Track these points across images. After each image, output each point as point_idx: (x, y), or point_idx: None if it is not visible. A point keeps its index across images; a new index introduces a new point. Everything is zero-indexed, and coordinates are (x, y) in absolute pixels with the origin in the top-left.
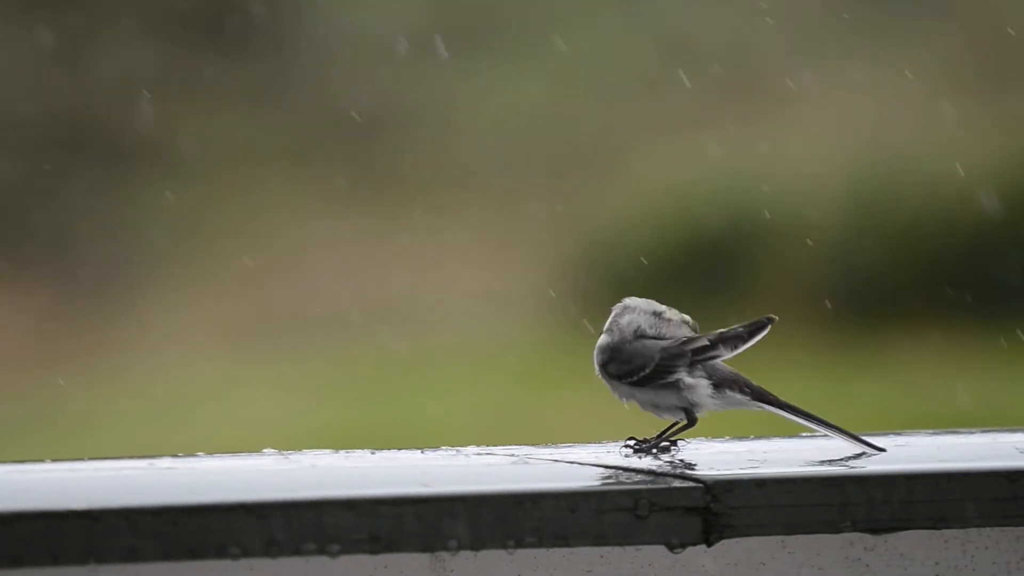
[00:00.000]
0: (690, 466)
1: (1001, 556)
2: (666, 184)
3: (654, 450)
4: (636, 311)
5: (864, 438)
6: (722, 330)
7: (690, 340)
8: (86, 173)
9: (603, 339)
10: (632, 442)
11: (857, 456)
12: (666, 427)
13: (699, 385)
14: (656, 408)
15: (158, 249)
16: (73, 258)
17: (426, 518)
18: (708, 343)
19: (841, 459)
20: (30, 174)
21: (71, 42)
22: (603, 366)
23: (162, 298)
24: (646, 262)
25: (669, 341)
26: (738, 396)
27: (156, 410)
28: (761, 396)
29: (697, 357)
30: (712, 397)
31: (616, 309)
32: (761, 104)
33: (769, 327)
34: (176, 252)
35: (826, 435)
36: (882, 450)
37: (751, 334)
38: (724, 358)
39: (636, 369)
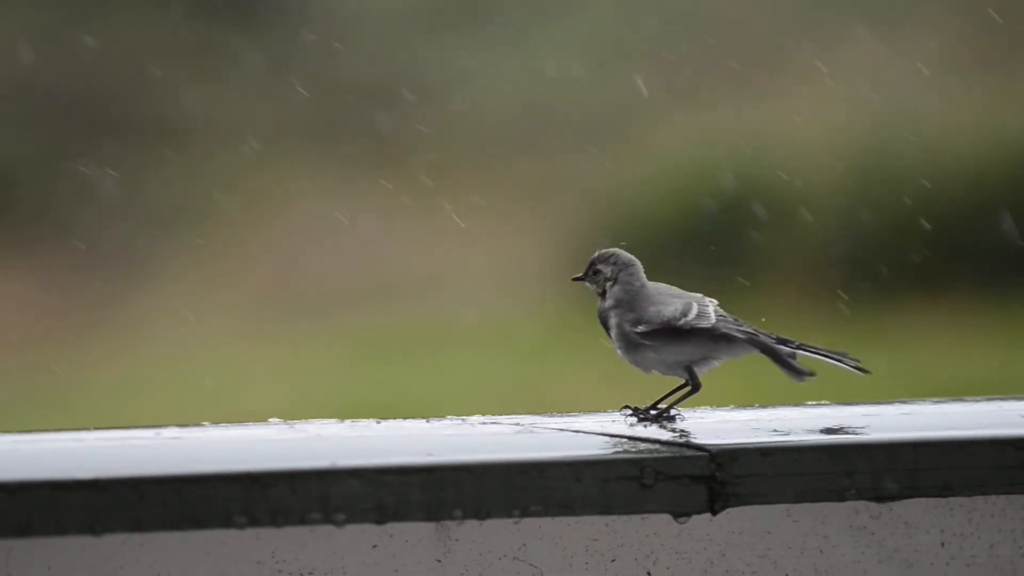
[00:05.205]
0: (695, 435)
1: (1007, 524)
2: (677, 156)
3: (660, 418)
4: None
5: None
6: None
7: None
8: (96, 148)
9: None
10: (628, 411)
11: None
12: (666, 393)
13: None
14: (676, 363)
15: (167, 224)
16: (82, 233)
17: (431, 487)
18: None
19: (847, 427)
20: (39, 148)
21: (83, 14)
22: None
23: (171, 272)
24: (663, 236)
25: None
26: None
27: (164, 383)
28: (755, 340)
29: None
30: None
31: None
32: (768, 76)
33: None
34: (186, 227)
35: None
36: (866, 371)
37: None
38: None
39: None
